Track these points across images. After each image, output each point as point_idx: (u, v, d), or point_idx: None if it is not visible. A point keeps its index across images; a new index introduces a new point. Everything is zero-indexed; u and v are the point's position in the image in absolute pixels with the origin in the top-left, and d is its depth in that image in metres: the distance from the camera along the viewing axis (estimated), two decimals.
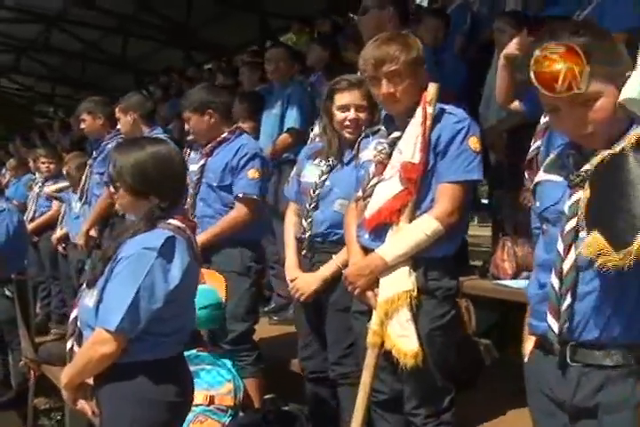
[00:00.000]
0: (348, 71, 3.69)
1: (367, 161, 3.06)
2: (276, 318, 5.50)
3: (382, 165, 2.96)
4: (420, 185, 2.86)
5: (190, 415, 3.00)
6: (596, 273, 1.92)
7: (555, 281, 1.99)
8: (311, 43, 7.28)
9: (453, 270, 3.01)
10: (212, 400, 3.78)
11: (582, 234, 1.94)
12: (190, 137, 4.68)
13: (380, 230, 2.92)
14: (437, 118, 2.90)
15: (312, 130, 4.59)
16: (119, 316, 2.47)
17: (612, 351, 1.94)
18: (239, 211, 4.10)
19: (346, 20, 9.53)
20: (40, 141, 11.14)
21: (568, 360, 2.00)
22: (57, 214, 7.18)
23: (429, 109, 2.88)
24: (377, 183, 2.96)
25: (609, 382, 1.95)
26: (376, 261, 2.89)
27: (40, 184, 7.60)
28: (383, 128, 3.07)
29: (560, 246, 1.98)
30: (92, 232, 5.65)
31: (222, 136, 4.20)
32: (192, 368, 2.97)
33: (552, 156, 2.16)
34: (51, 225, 7.24)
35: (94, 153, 5.81)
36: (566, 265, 1.97)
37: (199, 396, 3.55)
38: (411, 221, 2.87)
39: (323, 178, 3.51)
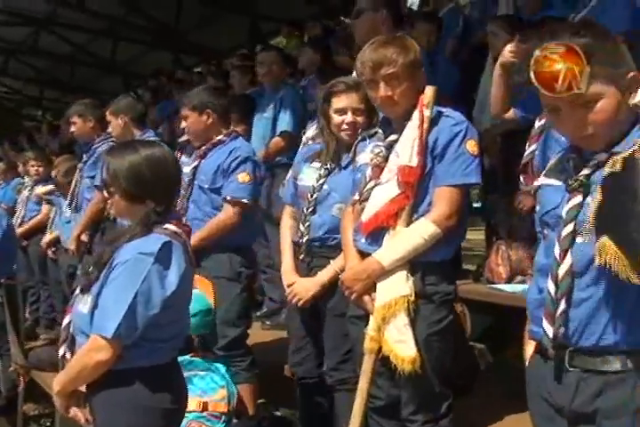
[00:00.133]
0: (342, 74, 3.67)
1: (364, 164, 3.03)
2: (268, 322, 5.48)
3: (379, 168, 2.93)
4: (417, 189, 2.83)
5: (183, 422, 2.96)
6: (593, 280, 1.91)
7: (551, 286, 1.97)
8: (303, 46, 7.28)
9: (451, 275, 2.99)
10: (205, 407, 3.74)
11: (579, 239, 1.93)
12: (182, 138, 4.66)
13: (376, 234, 2.90)
14: (435, 121, 2.87)
15: (304, 133, 4.57)
16: (116, 322, 2.43)
17: (611, 358, 1.92)
18: (226, 214, 4.07)
19: (337, 23, 9.54)
20: (28, 145, 11.08)
21: (566, 365, 1.98)
22: (46, 218, 7.15)
23: (427, 112, 2.85)
24: (374, 187, 2.93)
25: (608, 387, 1.93)
26: (373, 266, 2.86)
27: (29, 188, 7.57)
28: (380, 131, 3.04)
29: (557, 251, 1.97)
30: (83, 237, 5.60)
31: (217, 138, 4.18)
32: (185, 374, 2.94)
33: (554, 159, 2.14)
34: (40, 229, 7.20)
35: (84, 156, 5.77)
36: (561, 270, 1.95)
37: (192, 402, 3.50)
38: (408, 224, 2.84)
39: (321, 181, 3.48)
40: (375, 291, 2.88)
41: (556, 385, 2.01)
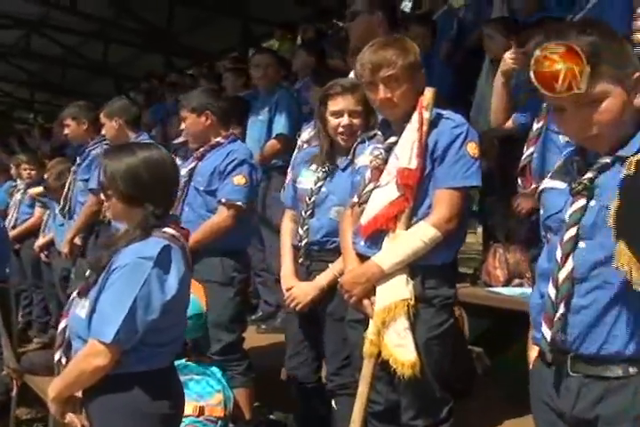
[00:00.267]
0: (337, 76, 3.66)
1: (363, 166, 3.01)
2: (264, 326, 5.44)
3: (378, 170, 2.91)
4: (416, 191, 2.81)
5: None
6: (594, 287, 1.90)
7: (551, 290, 1.95)
8: (297, 48, 7.26)
9: (451, 279, 2.96)
10: (201, 411, 3.71)
11: (581, 244, 1.91)
12: (176, 141, 4.63)
13: (376, 237, 2.87)
14: (434, 123, 2.85)
15: (299, 136, 4.56)
16: (115, 328, 2.39)
17: (612, 366, 1.91)
18: (220, 216, 4.03)
19: (329, 26, 9.52)
20: (20, 147, 11.04)
21: (568, 371, 1.96)
22: (39, 221, 7.12)
23: (426, 114, 2.84)
24: (373, 189, 2.91)
25: (609, 393, 1.91)
26: (372, 269, 2.84)
27: (22, 191, 7.52)
28: (379, 133, 3.02)
29: (558, 255, 1.95)
30: (77, 240, 5.57)
31: (215, 140, 4.15)
32: (181, 378, 2.90)
33: (558, 162, 2.12)
34: (33, 232, 7.17)
35: (78, 159, 5.74)
36: (562, 274, 1.93)
37: (189, 407, 3.47)
38: (407, 228, 2.82)
39: (319, 184, 3.46)
40: (375, 295, 2.85)
41: (558, 391, 2.00)
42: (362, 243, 2.93)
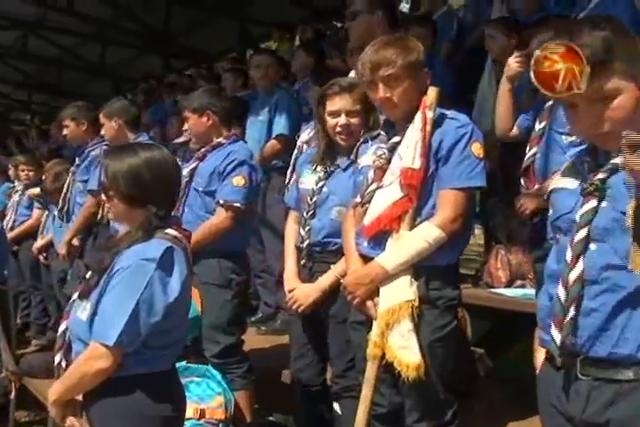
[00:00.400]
0: (336, 76, 3.62)
1: (366, 166, 2.98)
2: (263, 328, 5.41)
3: (381, 170, 2.87)
4: (420, 191, 2.78)
5: None
6: (603, 289, 1.87)
7: (561, 292, 1.92)
8: (296, 49, 7.24)
9: (455, 280, 2.93)
10: (202, 414, 3.70)
11: (592, 246, 1.88)
12: (176, 141, 4.60)
13: (379, 238, 2.84)
14: (438, 123, 2.82)
15: (298, 137, 4.54)
16: (117, 330, 2.36)
17: (624, 369, 1.88)
18: (219, 217, 3.99)
19: (328, 27, 9.50)
20: (17, 149, 11.02)
21: (578, 374, 1.93)
22: (37, 223, 7.10)
23: (429, 114, 2.80)
24: (376, 189, 2.88)
25: (620, 396, 1.88)
26: (376, 270, 2.80)
27: (20, 192, 7.50)
28: (383, 133, 2.99)
29: (568, 256, 1.92)
30: (75, 241, 5.54)
31: (217, 141, 4.13)
32: (182, 381, 2.87)
33: (567, 162, 2.09)
34: (31, 234, 7.15)
35: (77, 160, 5.71)
36: (572, 276, 1.90)
37: (190, 409, 3.45)
38: (411, 228, 2.79)
39: (320, 184, 3.43)
40: (378, 296, 2.82)
41: (567, 394, 1.96)
42: (365, 244, 2.89)
